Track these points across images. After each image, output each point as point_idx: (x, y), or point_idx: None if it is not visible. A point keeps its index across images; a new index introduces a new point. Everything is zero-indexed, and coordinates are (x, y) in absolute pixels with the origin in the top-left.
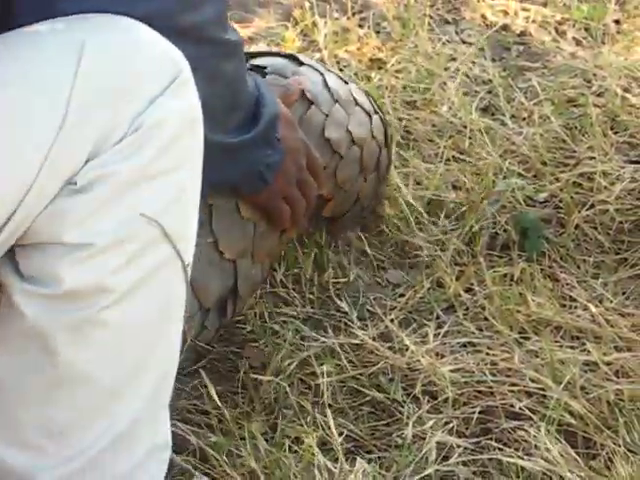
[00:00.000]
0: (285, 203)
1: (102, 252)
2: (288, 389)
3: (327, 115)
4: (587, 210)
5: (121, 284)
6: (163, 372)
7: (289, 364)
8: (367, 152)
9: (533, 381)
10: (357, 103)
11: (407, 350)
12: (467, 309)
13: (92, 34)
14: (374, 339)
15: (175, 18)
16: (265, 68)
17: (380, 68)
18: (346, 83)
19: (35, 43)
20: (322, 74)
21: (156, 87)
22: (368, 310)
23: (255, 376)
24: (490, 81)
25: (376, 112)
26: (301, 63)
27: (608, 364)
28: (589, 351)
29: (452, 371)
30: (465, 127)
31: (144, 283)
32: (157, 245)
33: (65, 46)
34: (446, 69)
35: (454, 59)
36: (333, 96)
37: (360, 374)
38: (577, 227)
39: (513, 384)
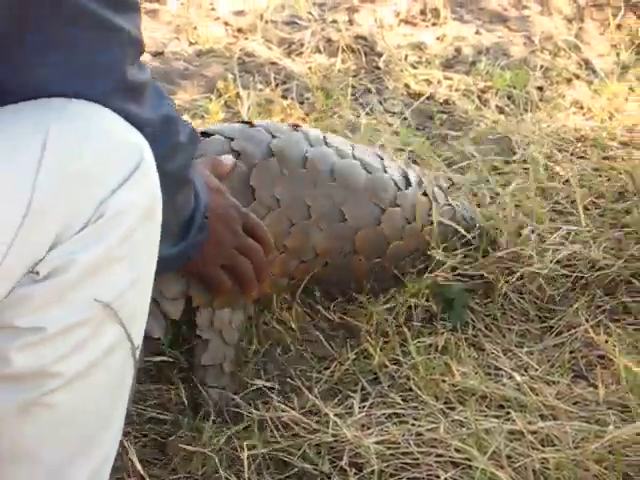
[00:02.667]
0: (225, 271)
1: (52, 338)
2: (217, 463)
3: None
4: (514, 278)
5: (68, 369)
6: (106, 454)
7: (217, 440)
8: None
9: (459, 451)
10: None
11: (333, 422)
12: (392, 379)
13: (56, 121)
14: (300, 412)
15: None
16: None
17: None
18: None
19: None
20: None
21: (118, 176)
22: (294, 383)
23: (184, 452)
24: (413, 151)
25: None
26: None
27: (533, 433)
28: (514, 420)
29: (378, 443)
30: None
31: (93, 366)
32: (108, 328)
33: (29, 134)
34: (370, 139)
35: (377, 129)
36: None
37: (287, 446)
38: (503, 295)
39: (439, 455)
